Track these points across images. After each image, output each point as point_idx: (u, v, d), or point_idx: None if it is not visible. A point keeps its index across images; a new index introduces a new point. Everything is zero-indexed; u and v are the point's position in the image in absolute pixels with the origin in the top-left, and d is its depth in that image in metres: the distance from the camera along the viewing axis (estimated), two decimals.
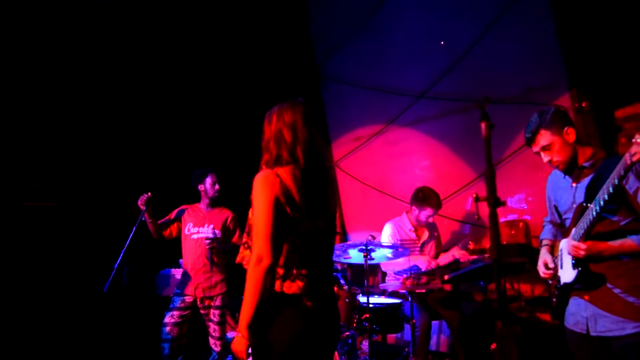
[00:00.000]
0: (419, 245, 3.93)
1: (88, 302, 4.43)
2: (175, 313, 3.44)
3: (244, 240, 1.84)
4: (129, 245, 3.14)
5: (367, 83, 5.31)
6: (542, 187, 4.04)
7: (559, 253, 2.13)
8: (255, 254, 1.66)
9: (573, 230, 2.00)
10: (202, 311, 3.54)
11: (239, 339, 1.70)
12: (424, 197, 3.83)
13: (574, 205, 2.05)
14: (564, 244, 2.08)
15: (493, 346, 3.14)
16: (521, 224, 4.09)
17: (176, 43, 5.34)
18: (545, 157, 2.09)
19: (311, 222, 1.74)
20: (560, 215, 2.22)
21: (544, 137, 2.05)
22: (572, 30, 3.79)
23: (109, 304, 3.86)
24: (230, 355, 4.41)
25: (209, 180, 3.69)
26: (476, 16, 4.36)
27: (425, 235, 3.96)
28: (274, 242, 1.66)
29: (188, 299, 3.49)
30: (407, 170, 5.08)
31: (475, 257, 3.76)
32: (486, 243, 4.28)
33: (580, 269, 1.96)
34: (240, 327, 1.69)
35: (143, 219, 3.42)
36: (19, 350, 3.87)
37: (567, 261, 2.04)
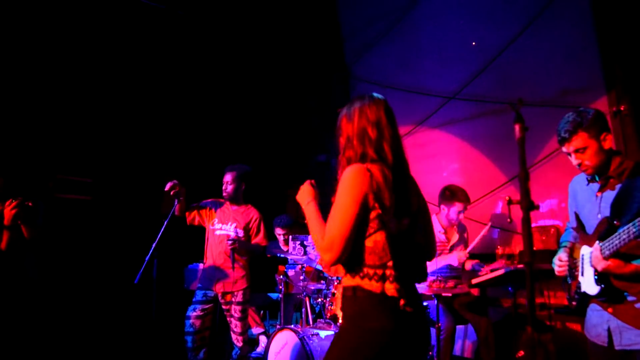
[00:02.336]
0: (448, 247, 3.88)
1: (119, 293, 4.56)
2: (198, 306, 3.50)
3: None
4: (160, 238, 3.21)
5: (397, 84, 5.28)
6: None
7: (580, 258, 2.08)
8: (326, 242, 1.60)
9: (597, 243, 1.93)
10: (223, 307, 3.57)
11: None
12: (452, 193, 3.80)
13: (599, 216, 2.00)
14: (586, 251, 2.03)
15: (520, 354, 3.08)
16: (552, 229, 3.99)
17: (210, 41, 5.44)
18: (575, 160, 2.03)
19: (398, 221, 1.66)
20: (581, 223, 2.16)
21: (581, 139, 1.98)
22: (611, 30, 3.68)
23: (138, 296, 3.96)
24: (255, 351, 4.46)
25: (224, 180, 3.69)
26: (510, 17, 4.28)
27: (455, 237, 3.91)
28: (349, 240, 1.59)
29: (210, 293, 3.53)
30: (436, 173, 5.03)
31: (494, 266, 3.70)
32: (515, 248, 4.19)
33: (603, 285, 1.92)
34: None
35: (174, 210, 3.46)
36: (48, 337, 4.02)
37: (589, 272, 1.99)
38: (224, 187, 3.66)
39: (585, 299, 2.05)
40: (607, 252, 1.86)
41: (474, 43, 4.61)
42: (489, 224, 3.81)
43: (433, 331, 3.47)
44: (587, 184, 2.12)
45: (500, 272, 3.48)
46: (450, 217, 3.83)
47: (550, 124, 4.02)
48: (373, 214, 1.62)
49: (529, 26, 4.12)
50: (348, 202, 1.60)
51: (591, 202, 2.08)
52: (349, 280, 1.68)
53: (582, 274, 2.06)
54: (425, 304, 3.55)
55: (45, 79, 4.48)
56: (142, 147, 5.13)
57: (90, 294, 4.56)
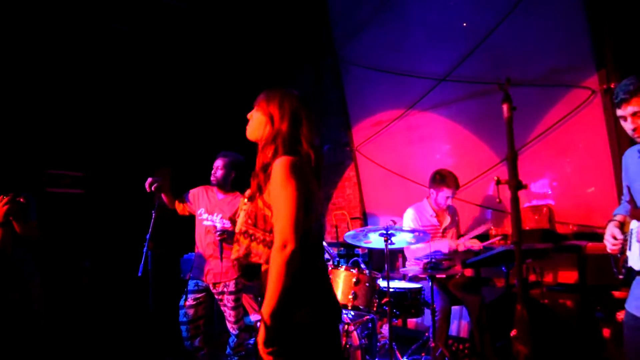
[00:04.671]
0: (441, 230, 3.90)
1: (116, 285, 4.58)
2: (190, 296, 3.49)
3: (244, 229, 1.79)
4: (153, 230, 3.19)
5: (388, 67, 5.24)
6: (567, 172, 4.00)
7: (629, 232, 2.07)
8: (280, 239, 1.64)
9: None
10: (216, 296, 3.54)
11: (261, 330, 1.63)
12: (441, 178, 3.80)
13: None
14: (635, 226, 2.02)
15: (514, 332, 3.13)
16: (545, 209, 4.02)
17: (197, 30, 5.36)
18: (631, 124, 1.97)
19: (321, 207, 1.81)
20: (632, 196, 2.14)
21: None
22: (600, 7, 3.66)
23: (135, 287, 3.97)
24: (253, 338, 4.50)
25: (214, 164, 3.61)
26: None
27: (447, 220, 3.93)
28: (299, 227, 1.66)
29: (202, 282, 3.52)
30: (428, 155, 5.03)
31: (487, 243, 3.75)
32: (507, 228, 4.22)
33: None
34: (264, 317, 1.63)
35: (158, 202, 3.40)
36: (45, 331, 4.03)
37: (636, 247, 1.98)
38: (213, 172, 3.58)
39: (631, 273, 2.03)
40: None
41: (464, 24, 4.57)
42: (489, 222, 3.82)
43: (428, 312, 3.51)
44: (639, 157, 2.07)
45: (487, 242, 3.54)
46: (438, 201, 3.84)
47: (542, 104, 4.06)
48: (309, 201, 1.73)
49: (517, 5, 4.09)
50: (292, 194, 1.66)
51: None
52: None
53: (630, 249, 2.03)
54: (419, 285, 3.59)
55: (34, 74, 4.42)
56: (133, 137, 5.09)
57: (87, 287, 4.57)
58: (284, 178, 1.67)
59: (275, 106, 1.83)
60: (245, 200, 1.83)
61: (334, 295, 1.83)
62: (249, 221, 1.78)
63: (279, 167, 1.69)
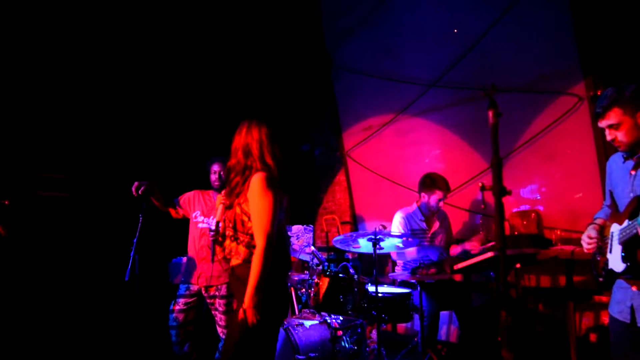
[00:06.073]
0: (429, 235, 3.91)
1: (103, 289, 4.53)
2: (181, 300, 3.46)
3: (229, 233, 2.22)
4: (140, 234, 3.16)
5: (378, 72, 5.26)
6: (555, 178, 4.03)
7: (610, 236, 2.09)
8: (262, 240, 2.11)
9: (627, 222, 1.94)
10: (208, 300, 3.52)
11: (248, 311, 2.10)
12: (432, 181, 3.82)
13: (632, 194, 1.99)
14: (616, 229, 2.04)
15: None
16: (533, 214, 4.05)
17: (188, 34, 5.35)
18: (609, 136, 2.04)
19: (288, 214, 2.33)
20: (614, 200, 2.17)
21: (615, 115, 1.98)
22: (587, 15, 3.71)
23: (123, 292, 3.93)
24: None
25: (212, 169, 3.62)
26: (490, 2, 4.28)
27: (436, 225, 3.94)
28: (275, 226, 2.15)
29: (193, 287, 3.50)
30: (418, 160, 5.05)
31: (487, 246, 3.75)
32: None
33: (629, 263, 1.93)
34: (250, 302, 2.08)
35: (146, 205, 3.36)
36: (31, 334, 3.97)
37: (617, 250, 2.00)
38: (215, 177, 3.58)
39: (612, 276, 2.05)
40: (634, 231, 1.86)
41: (455, 30, 4.60)
42: (472, 242, 3.86)
43: (417, 317, 3.51)
44: (623, 162, 2.10)
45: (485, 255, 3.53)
46: (430, 205, 3.86)
47: (530, 110, 4.09)
48: (281, 208, 2.27)
49: (507, 12, 4.13)
50: (271, 204, 2.15)
51: (624, 180, 2.07)
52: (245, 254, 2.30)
53: (610, 252, 2.06)
54: (408, 290, 3.59)
55: (20, 76, 4.37)
56: (121, 140, 5.05)
57: (74, 291, 4.51)
58: (262, 190, 2.14)
59: (242, 135, 2.35)
60: (222, 204, 2.36)
61: (284, 298, 2.32)
62: (230, 224, 2.23)
63: (257, 181, 2.15)
